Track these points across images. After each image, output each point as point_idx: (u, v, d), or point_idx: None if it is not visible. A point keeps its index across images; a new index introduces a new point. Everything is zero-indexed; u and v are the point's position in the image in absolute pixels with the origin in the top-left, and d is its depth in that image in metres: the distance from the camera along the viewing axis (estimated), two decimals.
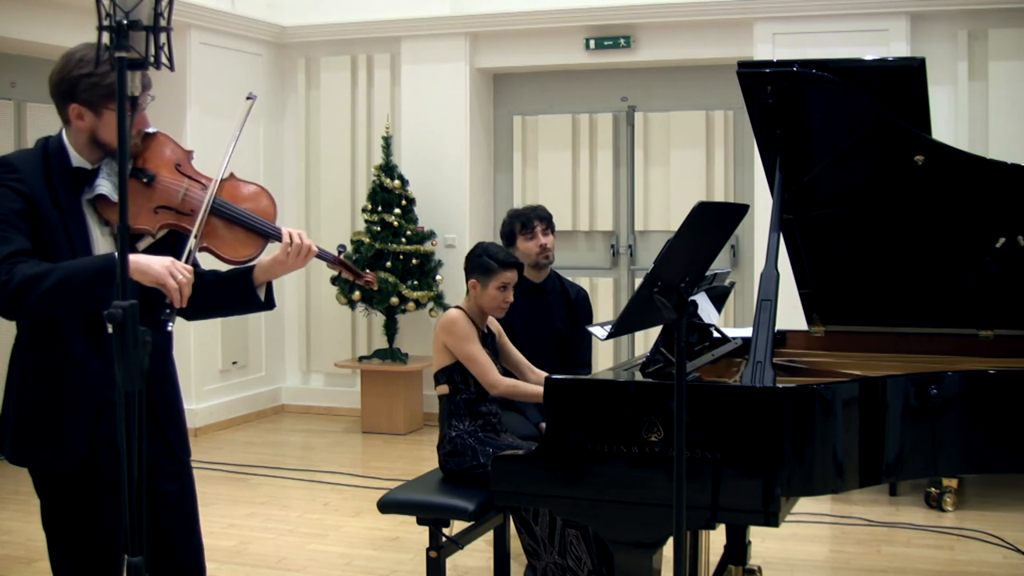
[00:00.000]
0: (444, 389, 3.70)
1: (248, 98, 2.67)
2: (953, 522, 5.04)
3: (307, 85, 7.95)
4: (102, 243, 2.50)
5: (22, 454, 2.50)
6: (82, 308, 2.38)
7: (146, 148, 2.56)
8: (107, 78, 2.40)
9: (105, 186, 2.47)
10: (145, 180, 2.52)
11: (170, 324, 2.38)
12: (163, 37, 1.92)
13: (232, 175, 2.64)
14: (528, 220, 4.44)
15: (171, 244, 2.57)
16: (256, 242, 2.58)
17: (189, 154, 2.63)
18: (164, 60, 1.93)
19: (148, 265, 2.33)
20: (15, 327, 2.55)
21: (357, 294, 7.11)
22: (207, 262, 2.65)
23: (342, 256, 2.76)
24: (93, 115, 2.45)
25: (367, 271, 2.84)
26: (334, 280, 7.13)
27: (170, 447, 2.63)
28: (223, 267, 2.65)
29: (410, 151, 7.57)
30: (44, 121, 6.67)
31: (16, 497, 5.61)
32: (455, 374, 3.67)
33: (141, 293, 2.40)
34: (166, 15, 1.92)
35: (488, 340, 3.77)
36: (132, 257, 2.33)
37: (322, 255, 2.66)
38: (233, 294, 2.67)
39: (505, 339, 3.89)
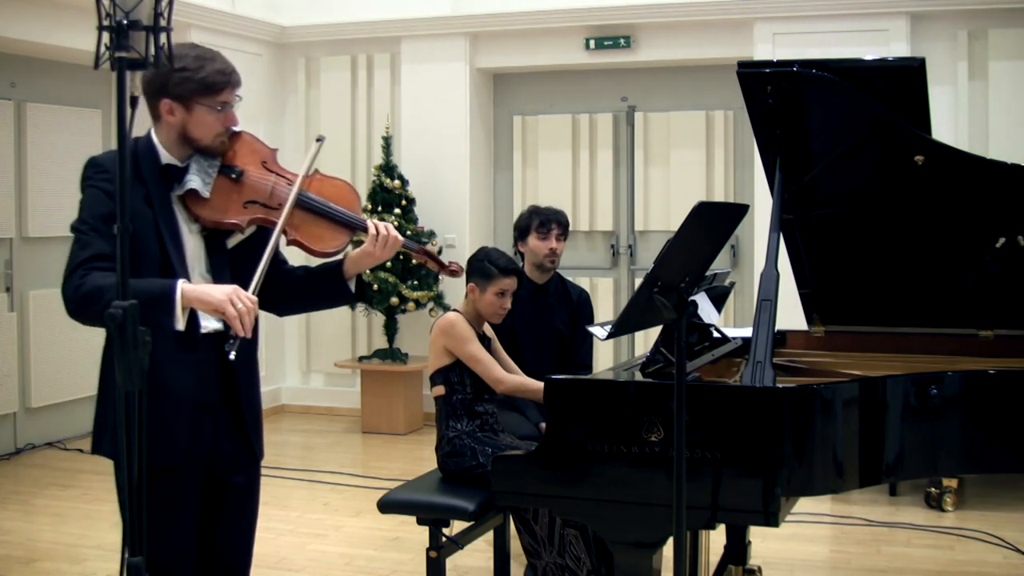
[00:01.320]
0: (440, 390, 3.70)
1: (317, 140, 2.72)
2: (953, 522, 5.03)
3: (307, 85, 7.95)
4: (191, 239, 2.54)
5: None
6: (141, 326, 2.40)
7: (233, 146, 2.61)
8: (199, 73, 2.46)
9: (195, 181, 2.51)
10: (233, 176, 2.57)
11: (232, 353, 2.38)
12: (163, 37, 1.92)
13: (316, 171, 2.69)
14: (547, 221, 4.44)
15: (259, 241, 2.60)
16: (343, 234, 2.63)
17: (274, 152, 2.69)
18: (164, 60, 1.93)
19: (208, 293, 2.34)
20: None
21: None
22: (295, 256, 2.73)
23: (427, 246, 2.78)
24: (184, 110, 2.49)
25: (452, 261, 2.90)
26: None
27: (250, 446, 2.67)
28: (311, 260, 2.70)
29: (410, 151, 7.57)
30: (44, 121, 6.67)
31: (16, 497, 5.62)
32: (452, 375, 3.67)
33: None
34: (166, 15, 1.92)
35: (483, 344, 3.76)
36: (192, 286, 2.35)
37: (407, 245, 2.72)
38: (325, 288, 2.73)
39: (498, 346, 3.88)
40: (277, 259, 2.72)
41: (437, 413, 3.74)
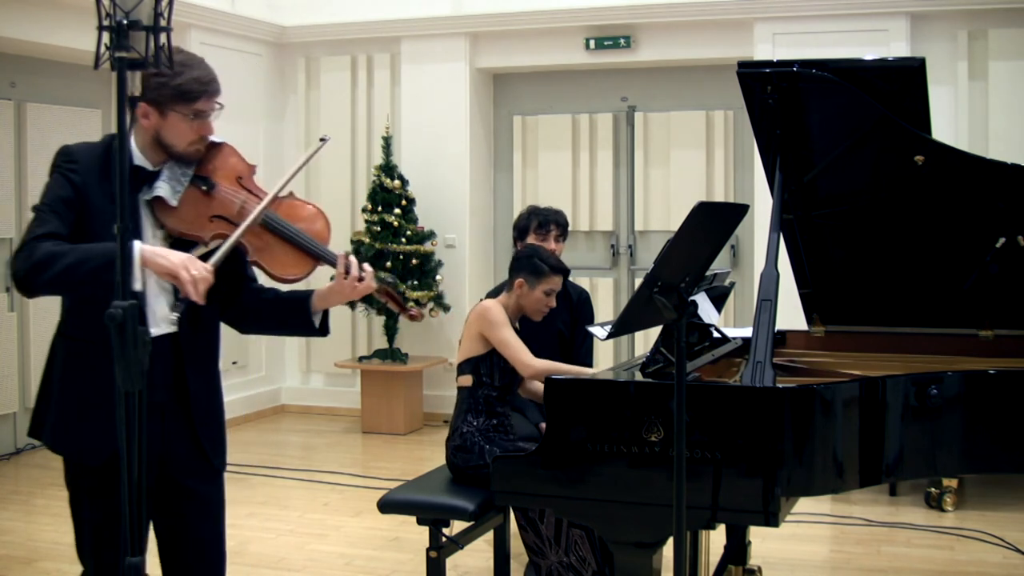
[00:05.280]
0: (467, 380, 3.67)
1: (322, 139, 2.68)
2: (953, 522, 5.04)
3: (307, 85, 7.95)
4: (153, 244, 2.50)
5: (61, 443, 2.53)
6: (97, 289, 2.36)
7: (210, 157, 2.57)
8: (175, 79, 2.43)
9: (163, 188, 2.48)
10: (204, 188, 2.54)
11: (176, 314, 2.37)
12: (163, 37, 1.92)
13: (291, 194, 2.65)
14: (546, 222, 4.44)
15: (226, 257, 2.54)
16: (305, 262, 2.57)
17: (252, 168, 2.64)
18: (164, 60, 1.93)
19: (164, 256, 2.33)
20: (59, 317, 2.56)
21: None
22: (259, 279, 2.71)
23: (389, 288, 2.76)
24: (158, 115, 2.47)
25: (412, 305, 2.85)
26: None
27: (204, 452, 2.64)
28: (271, 283, 2.67)
29: (410, 151, 7.57)
30: (44, 121, 6.67)
31: (16, 497, 5.62)
32: (482, 366, 3.65)
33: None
34: (166, 15, 1.92)
35: None
36: (150, 247, 2.34)
37: (379, 289, 2.67)
38: (290, 316, 2.70)
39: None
40: (247, 275, 2.68)
41: (457, 404, 3.72)
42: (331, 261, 2.58)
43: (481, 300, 3.86)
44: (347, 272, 2.58)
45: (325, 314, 2.71)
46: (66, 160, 2.46)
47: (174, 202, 2.48)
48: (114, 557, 2.48)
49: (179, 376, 2.54)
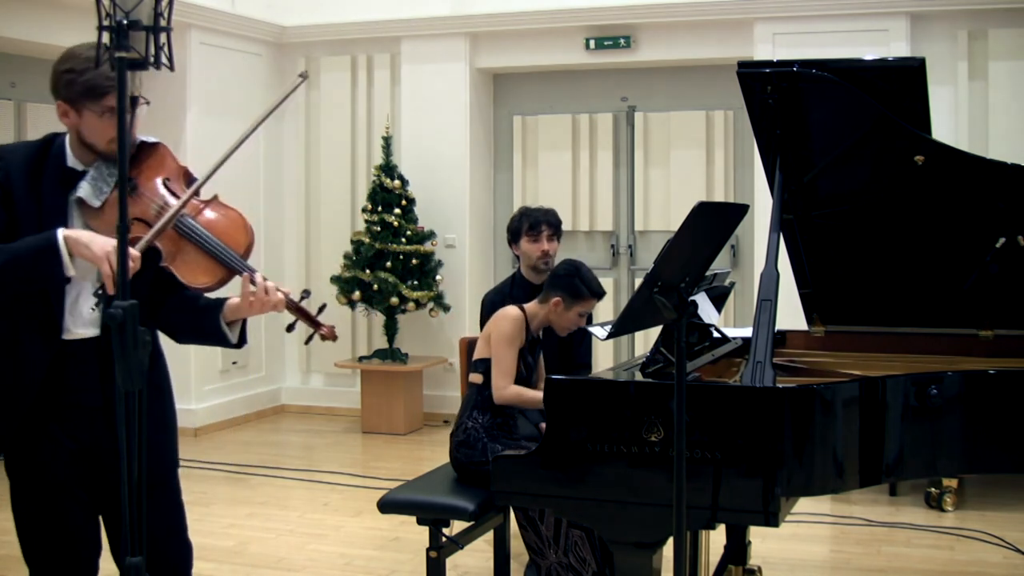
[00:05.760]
0: (478, 378, 3.66)
1: (301, 75, 2.58)
2: (953, 522, 5.04)
3: (307, 85, 7.94)
4: None
5: None
6: (32, 285, 2.35)
7: (142, 158, 2.50)
8: (83, 76, 2.35)
9: (84, 189, 2.41)
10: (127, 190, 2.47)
11: (95, 308, 2.27)
12: (163, 37, 1.92)
13: (216, 197, 2.54)
14: (537, 223, 4.43)
15: (146, 261, 2.41)
16: (216, 271, 2.45)
17: (182, 170, 2.55)
18: (164, 60, 1.93)
19: (87, 246, 2.26)
20: None
21: (357, 294, 7.11)
22: None
23: (303, 302, 2.59)
24: (75, 113, 2.40)
25: (324, 325, 2.69)
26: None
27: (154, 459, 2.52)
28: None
29: (410, 151, 7.57)
30: (44, 121, 6.66)
31: None
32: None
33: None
34: (166, 15, 1.92)
35: (535, 348, 3.74)
36: (73, 233, 2.29)
37: (288, 305, 2.54)
38: (202, 325, 2.58)
39: (541, 359, 3.86)
40: (178, 283, 2.51)
41: (465, 399, 3.72)
42: (239, 271, 2.47)
43: (495, 302, 3.80)
44: (253, 286, 2.47)
45: (243, 325, 2.60)
46: None
47: (96, 203, 2.41)
48: (48, 559, 2.48)
49: (107, 381, 2.44)
